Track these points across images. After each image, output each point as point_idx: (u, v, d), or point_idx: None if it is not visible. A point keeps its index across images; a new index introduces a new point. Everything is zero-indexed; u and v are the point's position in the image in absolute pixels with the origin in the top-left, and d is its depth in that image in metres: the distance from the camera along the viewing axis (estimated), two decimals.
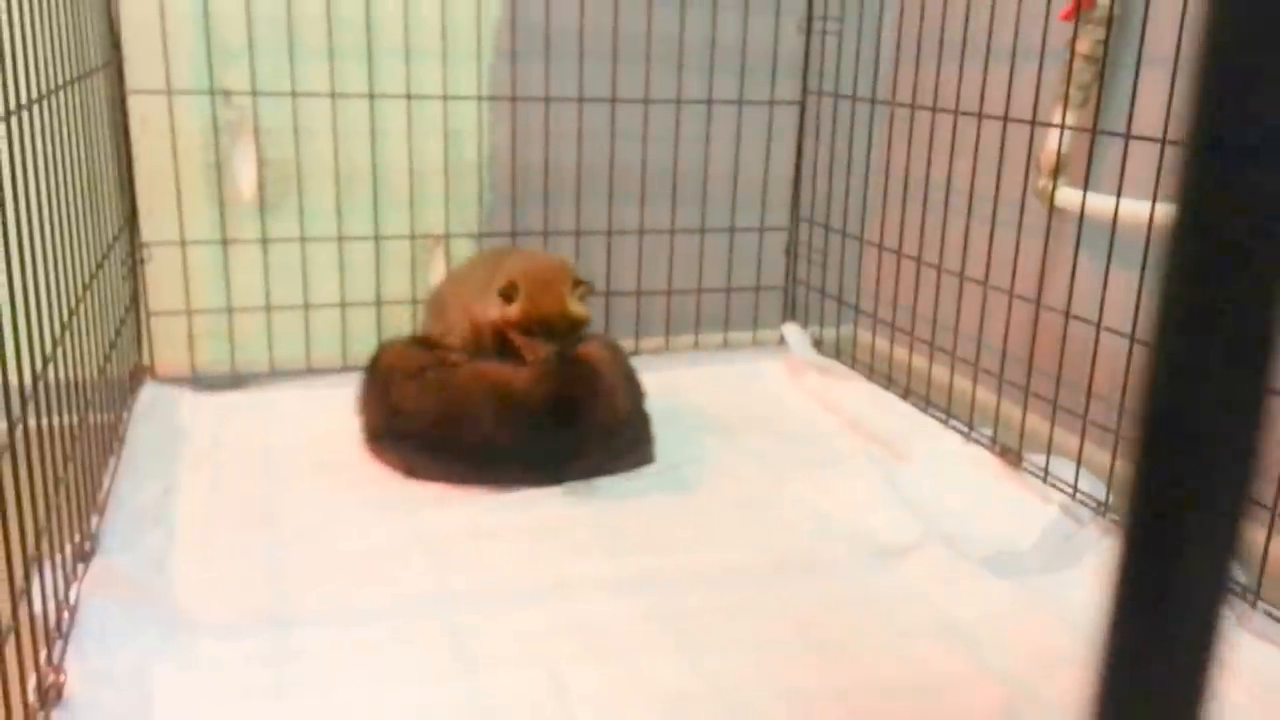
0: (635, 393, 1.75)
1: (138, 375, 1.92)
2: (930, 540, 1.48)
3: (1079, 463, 1.56)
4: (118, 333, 1.67)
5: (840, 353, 2.22)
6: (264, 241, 2.04)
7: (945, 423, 1.84)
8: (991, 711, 1.15)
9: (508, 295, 1.67)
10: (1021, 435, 1.66)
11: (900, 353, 2.06)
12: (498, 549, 1.44)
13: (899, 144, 2.04)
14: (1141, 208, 1.47)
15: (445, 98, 2.07)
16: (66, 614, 1.17)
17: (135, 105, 1.91)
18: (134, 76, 1.90)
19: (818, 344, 2.27)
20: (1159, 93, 1.45)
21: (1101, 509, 1.51)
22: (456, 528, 1.49)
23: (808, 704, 1.15)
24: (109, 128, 1.75)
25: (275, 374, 2.06)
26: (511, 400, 1.60)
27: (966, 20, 1.84)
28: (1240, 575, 1.29)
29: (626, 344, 2.19)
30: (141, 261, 1.96)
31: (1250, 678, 1.16)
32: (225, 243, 2.02)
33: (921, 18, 1.99)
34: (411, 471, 1.64)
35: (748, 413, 1.99)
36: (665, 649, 1.23)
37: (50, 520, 1.13)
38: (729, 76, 2.23)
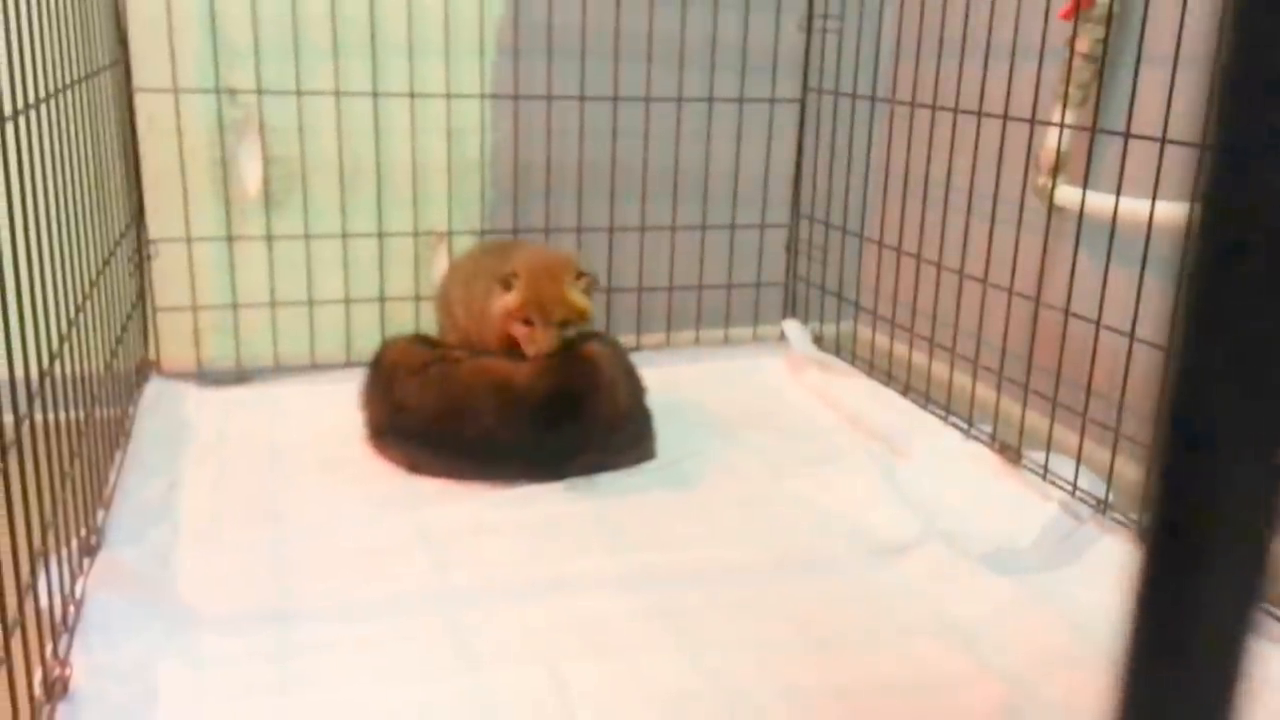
0: (636, 388, 1.75)
1: (143, 370, 1.93)
2: (930, 537, 1.48)
3: (1078, 460, 1.57)
4: (124, 328, 1.68)
5: (840, 349, 2.23)
6: (269, 238, 2.05)
7: (945, 419, 1.84)
8: (991, 709, 1.15)
9: (507, 284, 1.67)
10: (1021, 432, 1.67)
11: (900, 349, 2.06)
12: (499, 545, 1.45)
13: (899, 141, 2.05)
14: (1141, 206, 1.47)
15: (448, 96, 2.08)
16: (72, 608, 1.18)
17: (142, 103, 1.92)
18: (141, 75, 1.91)
19: (818, 340, 2.28)
20: (1158, 91, 1.45)
21: (1101, 506, 1.52)
22: (458, 523, 1.50)
23: (807, 701, 1.15)
24: (116, 126, 1.76)
25: (280, 369, 2.07)
26: (512, 396, 1.61)
27: (966, 19, 1.85)
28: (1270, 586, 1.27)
29: (628, 340, 2.21)
30: (148, 258, 1.97)
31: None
32: (230, 239, 2.03)
33: (921, 16, 1.99)
34: (414, 467, 1.65)
35: (748, 408, 2.00)
36: (665, 646, 1.24)
37: (56, 515, 1.14)
38: (730, 74, 2.24)
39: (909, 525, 1.53)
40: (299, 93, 1.99)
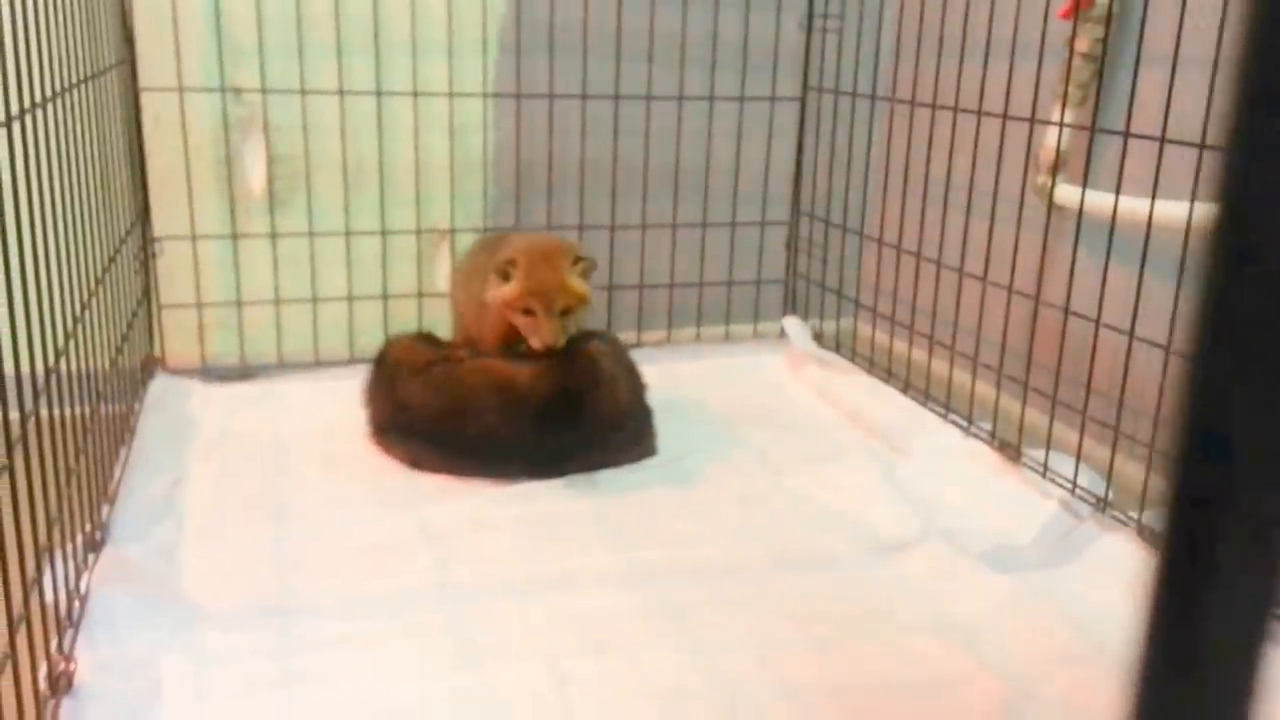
0: (637, 386, 1.76)
1: (148, 367, 1.94)
2: (929, 535, 1.49)
3: (1078, 458, 1.57)
4: (129, 325, 1.69)
5: (840, 346, 2.23)
6: (273, 236, 2.06)
7: (945, 417, 1.85)
8: (990, 707, 1.16)
9: (504, 273, 1.65)
10: (1021, 430, 1.68)
11: (900, 346, 2.07)
12: (500, 541, 1.46)
13: (899, 140, 2.05)
14: (1140, 205, 1.48)
15: (451, 94, 2.09)
16: (77, 604, 1.19)
17: (148, 102, 1.93)
18: (147, 74, 1.92)
19: (818, 337, 2.29)
20: (1158, 91, 1.46)
21: (1101, 504, 1.52)
22: (460, 520, 1.51)
23: (806, 698, 1.16)
24: (122, 124, 1.77)
25: (283, 366, 2.09)
26: (514, 396, 1.61)
27: (966, 18, 1.85)
28: None
29: (629, 336, 2.22)
30: (153, 255, 1.98)
31: None
32: (235, 237, 2.04)
33: (921, 15, 2.00)
34: (416, 464, 1.65)
35: (749, 405, 2.01)
36: (665, 643, 1.24)
37: (62, 510, 1.15)
38: (730, 73, 2.25)
39: (909, 523, 1.53)
40: (303, 91, 2.00)
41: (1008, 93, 1.70)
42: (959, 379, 1.93)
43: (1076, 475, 1.57)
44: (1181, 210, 1.40)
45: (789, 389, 2.12)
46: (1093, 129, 1.61)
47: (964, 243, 1.85)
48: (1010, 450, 1.68)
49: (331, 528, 1.48)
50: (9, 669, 0.90)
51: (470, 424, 1.62)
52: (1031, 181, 1.79)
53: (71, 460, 1.21)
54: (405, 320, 2.11)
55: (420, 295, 2.15)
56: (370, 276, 2.13)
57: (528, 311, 1.64)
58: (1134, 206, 1.49)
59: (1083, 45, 1.66)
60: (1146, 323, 1.48)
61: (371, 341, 1.87)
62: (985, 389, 1.81)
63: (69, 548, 1.18)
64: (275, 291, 2.08)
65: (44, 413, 1.06)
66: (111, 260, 1.55)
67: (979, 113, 1.77)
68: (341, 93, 2.02)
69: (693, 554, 1.45)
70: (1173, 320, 1.43)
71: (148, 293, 1.96)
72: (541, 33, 2.13)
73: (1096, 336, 1.57)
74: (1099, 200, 1.59)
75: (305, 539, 1.45)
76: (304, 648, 1.21)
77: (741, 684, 1.17)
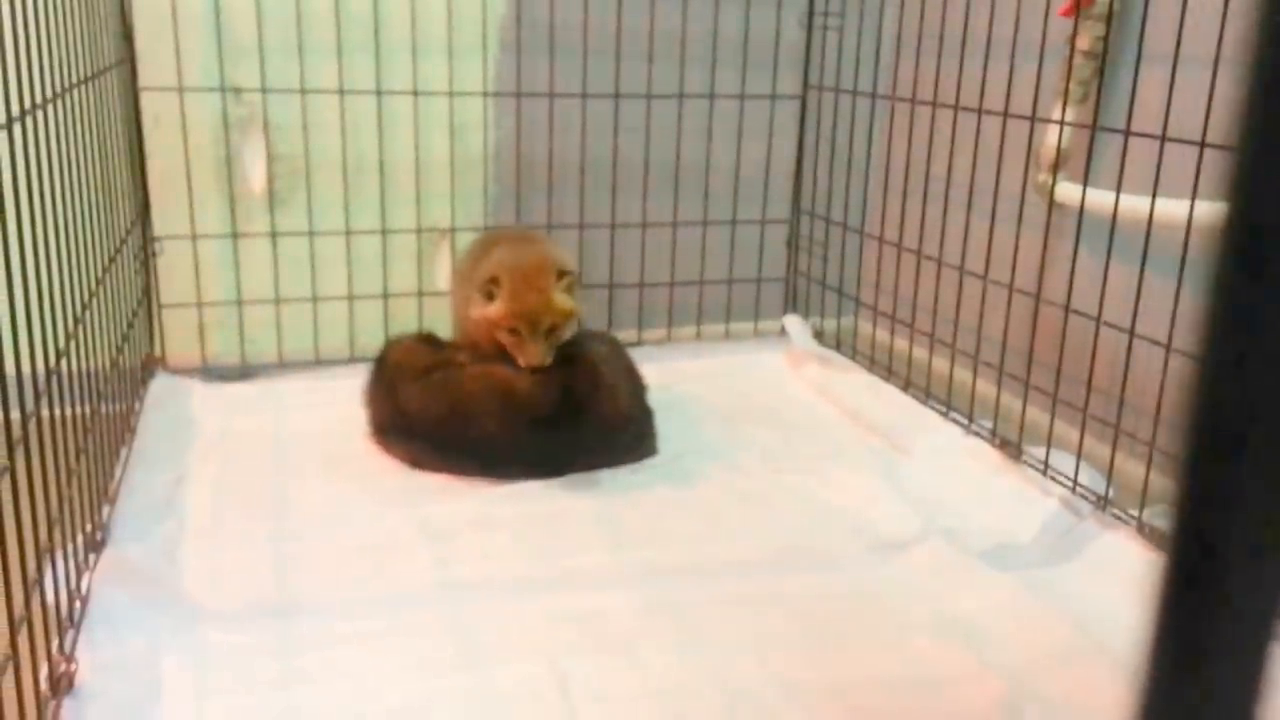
0: (637, 388, 1.76)
1: (149, 366, 1.94)
2: (930, 533, 1.49)
3: (1079, 456, 1.57)
4: (130, 324, 1.69)
5: (841, 344, 2.23)
6: (273, 235, 2.06)
7: (945, 415, 1.85)
8: (991, 704, 1.16)
9: (488, 292, 1.63)
10: (1021, 428, 1.68)
11: (900, 344, 2.07)
12: (501, 541, 1.46)
13: (899, 138, 2.05)
14: (1141, 203, 1.48)
15: (451, 94, 2.09)
16: (78, 604, 1.19)
17: (148, 102, 1.93)
18: (147, 74, 1.92)
19: (818, 335, 2.29)
20: (1158, 89, 1.46)
21: (1101, 502, 1.52)
22: (460, 519, 1.51)
23: (807, 697, 1.16)
24: (122, 124, 1.77)
25: (284, 365, 2.09)
26: (515, 402, 1.61)
27: (967, 16, 1.85)
28: None
29: (629, 335, 2.22)
30: (153, 255, 1.98)
31: None
32: (235, 236, 2.04)
33: (922, 13, 2.00)
34: (417, 464, 1.65)
35: (749, 403, 2.01)
36: (666, 641, 1.24)
37: (62, 510, 1.15)
38: (731, 71, 2.25)
39: (909, 521, 1.53)
40: (303, 91, 2.00)
41: (1008, 91, 1.70)
42: (960, 377, 1.93)
43: (1077, 473, 1.57)
44: (1182, 208, 1.40)
45: (789, 387, 2.11)
46: (1094, 127, 1.61)
47: (965, 241, 1.85)
48: (1011, 448, 1.68)
49: (332, 526, 1.48)
50: (10, 670, 0.90)
51: (471, 431, 1.61)
52: (1032, 179, 1.79)
53: (72, 460, 1.21)
54: (406, 319, 2.11)
55: (421, 294, 2.15)
56: (371, 276, 2.13)
57: (513, 331, 1.63)
58: (1135, 204, 1.49)
59: (1084, 43, 1.66)
60: (1147, 321, 1.48)
61: (372, 341, 1.87)
62: (986, 387, 1.81)
63: (70, 548, 1.18)
64: (275, 291, 2.08)
65: (45, 412, 1.06)
66: (112, 260, 1.55)
67: (980, 111, 1.77)
68: (341, 92, 2.02)
69: (693, 553, 1.45)
70: (1173, 318, 1.43)
71: (148, 292, 1.96)
72: (541, 31, 2.12)
73: (1097, 334, 1.57)
74: (1100, 198, 1.59)
75: (306, 538, 1.45)
76: (304, 647, 1.21)
77: (741, 683, 1.17)
